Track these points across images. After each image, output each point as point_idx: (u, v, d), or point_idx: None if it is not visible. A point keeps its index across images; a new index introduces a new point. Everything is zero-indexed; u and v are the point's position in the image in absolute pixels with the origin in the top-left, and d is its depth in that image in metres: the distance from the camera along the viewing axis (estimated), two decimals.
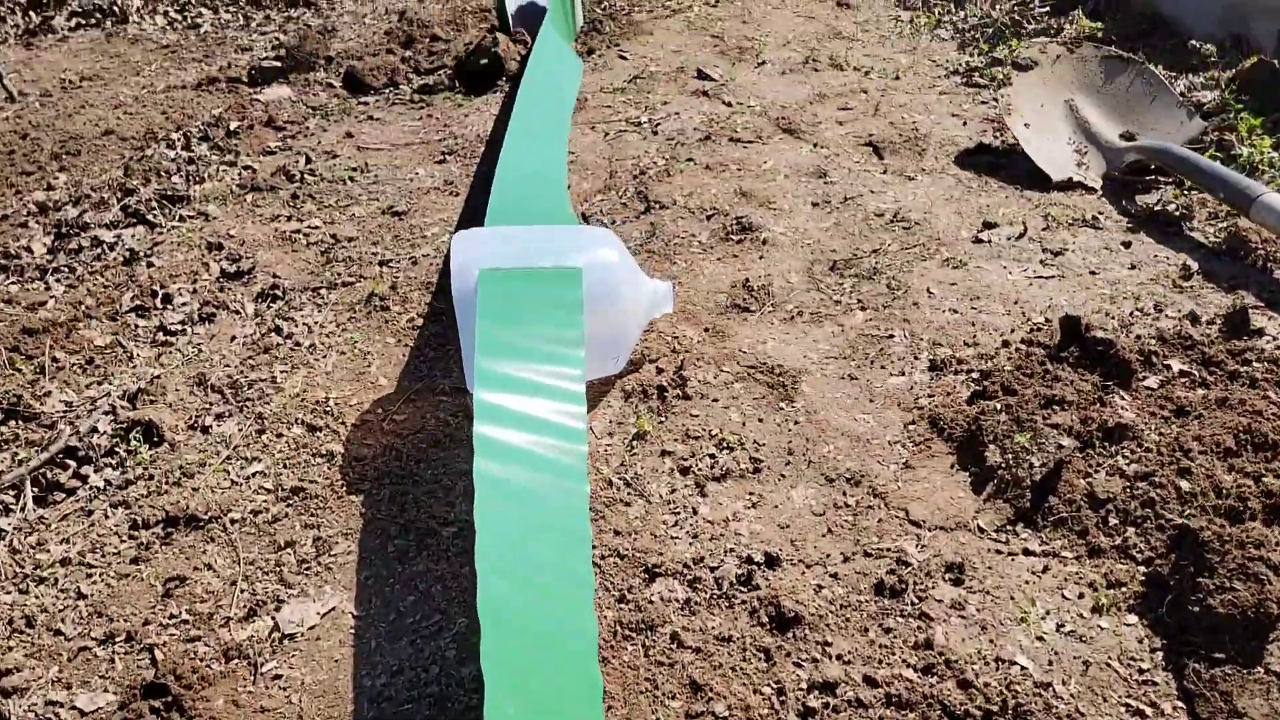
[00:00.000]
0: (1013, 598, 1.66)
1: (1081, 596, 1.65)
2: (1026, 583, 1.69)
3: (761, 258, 2.69)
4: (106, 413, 2.31)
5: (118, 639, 1.76)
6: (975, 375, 2.15)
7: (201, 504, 2.04)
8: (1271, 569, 1.54)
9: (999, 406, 1.97)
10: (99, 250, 3.08)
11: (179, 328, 2.67)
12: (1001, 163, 3.05)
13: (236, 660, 1.70)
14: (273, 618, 1.78)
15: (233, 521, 2.01)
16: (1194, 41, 3.56)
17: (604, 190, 3.21)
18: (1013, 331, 2.30)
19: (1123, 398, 2.00)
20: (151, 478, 2.12)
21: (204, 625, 1.77)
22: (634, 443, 2.10)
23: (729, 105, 3.71)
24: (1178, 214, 2.65)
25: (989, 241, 2.65)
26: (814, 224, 2.83)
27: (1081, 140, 3.01)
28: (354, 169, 3.54)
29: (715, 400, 2.18)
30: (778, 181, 3.07)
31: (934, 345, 2.28)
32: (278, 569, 1.89)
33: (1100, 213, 2.74)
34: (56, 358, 2.56)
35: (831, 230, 2.79)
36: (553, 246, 2.17)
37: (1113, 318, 2.30)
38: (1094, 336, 2.10)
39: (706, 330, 2.44)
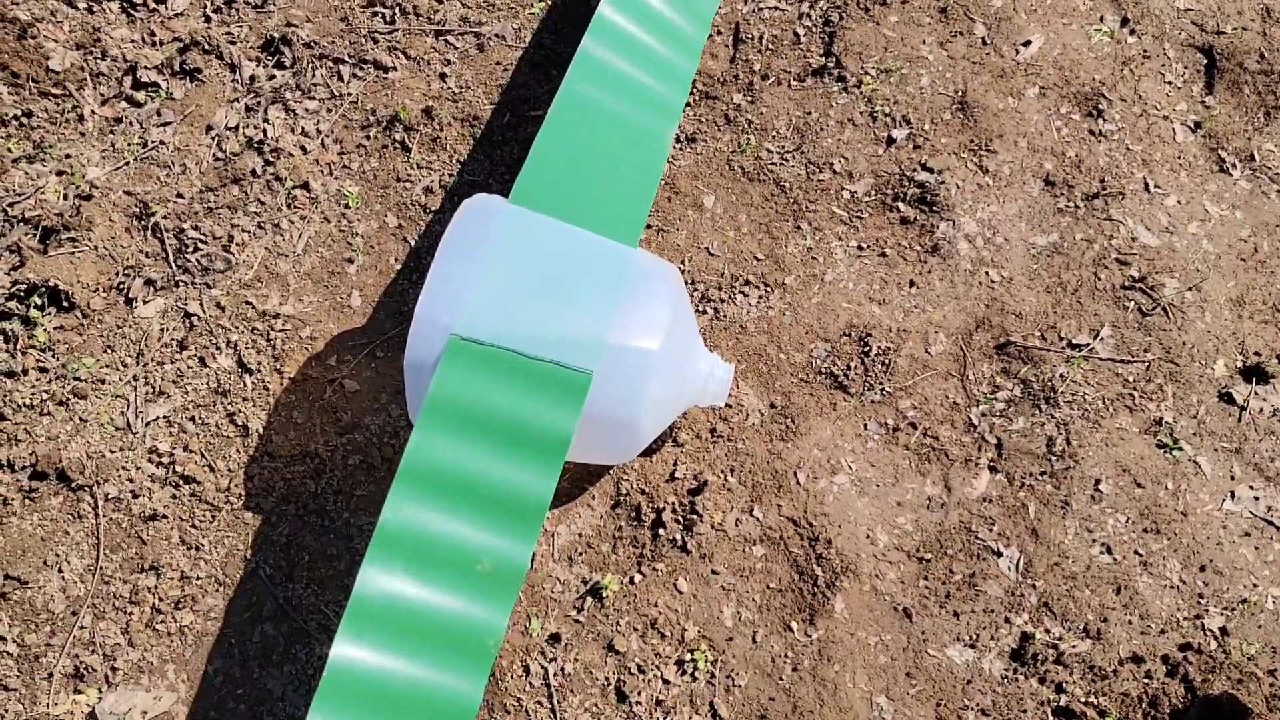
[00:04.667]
0: None
1: None
2: None
3: (913, 284, 1.84)
4: (11, 251, 1.83)
5: None
6: (1061, 705, 1.54)
7: (78, 457, 1.68)
8: None
9: None
10: None
11: (153, 79, 2.02)
12: None
13: None
14: (91, 706, 1.53)
15: (107, 498, 1.67)
16: None
17: None
18: (1163, 633, 1.60)
19: None
20: (35, 385, 1.73)
21: (19, 678, 1.54)
22: (587, 599, 1.61)
23: None
24: None
25: (1243, 407, 1.75)
26: (1021, 226, 1.89)
27: None
28: None
29: (715, 574, 1.62)
30: (1019, 78, 2.01)
31: (1041, 606, 1.61)
32: (130, 606, 1.59)
33: None
34: None
35: (1036, 253, 1.87)
36: (575, 304, 1.47)
37: None
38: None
39: (774, 407, 1.75)
